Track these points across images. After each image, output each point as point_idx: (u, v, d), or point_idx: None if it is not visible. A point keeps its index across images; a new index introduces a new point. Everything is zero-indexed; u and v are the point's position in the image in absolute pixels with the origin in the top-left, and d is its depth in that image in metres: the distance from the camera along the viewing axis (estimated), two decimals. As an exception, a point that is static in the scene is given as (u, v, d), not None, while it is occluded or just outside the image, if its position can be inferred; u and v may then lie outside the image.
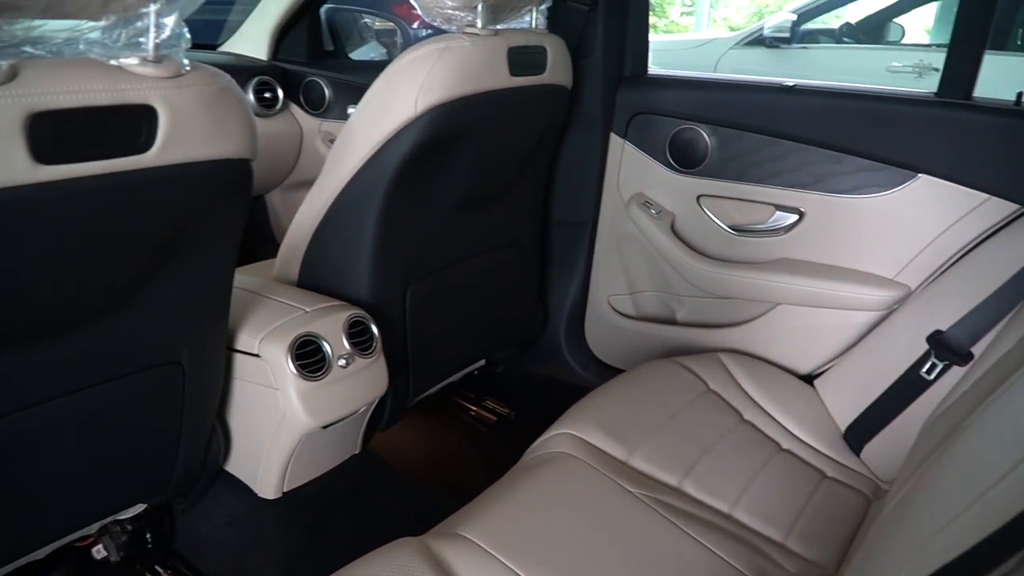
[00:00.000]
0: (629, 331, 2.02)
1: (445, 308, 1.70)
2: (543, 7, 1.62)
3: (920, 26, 5.43)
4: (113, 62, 0.84)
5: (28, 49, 0.79)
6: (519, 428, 1.99)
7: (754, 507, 1.30)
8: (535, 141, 1.70)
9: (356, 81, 2.35)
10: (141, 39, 0.84)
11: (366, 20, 2.86)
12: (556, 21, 1.75)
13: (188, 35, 0.87)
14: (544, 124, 1.69)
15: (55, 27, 0.80)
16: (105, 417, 1.13)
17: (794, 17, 4.87)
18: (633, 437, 1.38)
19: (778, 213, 1.78)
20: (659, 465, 1.34)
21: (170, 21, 0.85)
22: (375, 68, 2.57)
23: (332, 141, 2.36)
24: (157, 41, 0.85)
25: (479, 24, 1.44)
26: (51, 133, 0.77)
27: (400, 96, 1.37)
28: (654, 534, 1.17)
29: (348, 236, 1.48)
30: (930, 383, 1.42)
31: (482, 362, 1.99)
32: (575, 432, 1.36)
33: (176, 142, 0.88)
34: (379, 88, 1.41)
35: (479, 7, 1.42)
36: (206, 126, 0.91)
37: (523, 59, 1.51)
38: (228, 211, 1.06)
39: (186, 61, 0.89)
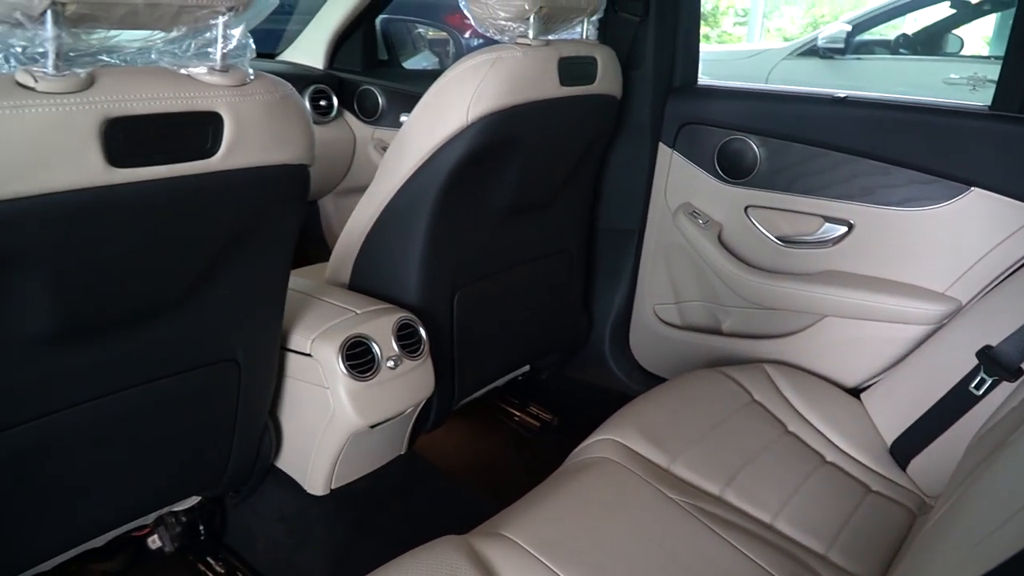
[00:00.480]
0: (674, 340, 2.03)
1: (492, 313, 1.73)
2: (594, 18, 1.64)
3: (980, 37, 5.35)
4: (183, 71, 0.89)
5: (104, 58, 0.84)
6: (562, 434, 2.01)
7: (796, 518, 1.30)
8: (584, 150, 1.72)
9: (409, 90, 2.40)
10: (209, 49, 0.89)
11: (420, 30, 2.92)
12: (607, 32, 1.77)
13: (253, 45, 0.92)
14: (593, 133, 1.71)
15: (129, 37, 0.85)
16: (166, 410, 1.18)
17: (849, 28, 4.84)
18: (675, 444, 1.39)
19: (827, 225, 1.79)
20: (701, 473, 1.35)
21: (237, 32, 0.90)
22: (428, 77, 2.62)
23: (385, 149, 2.41)
24: (224, 51, 0.90)
25: (531, 35, 1.47)
26: (124, 138, 0.82)
27: (452, 105, 1.41)
28: (694, 541, 1.18)
29: (399, 241, 1.52)
30: (979, 399, 1.41)
31: (526, 368, 2.02)
32: (618, 438, 1.38)
33: (240, 148, 0.93)
34: (432, 97, 1.45)
35: (531, 18, 1.45)
36: (268, 133, 0.95)
37: (574, 69, 1.54)
38: (286, 214, 1.10)
39: (250, 70, 0.94)
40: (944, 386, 1.47)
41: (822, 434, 1.54)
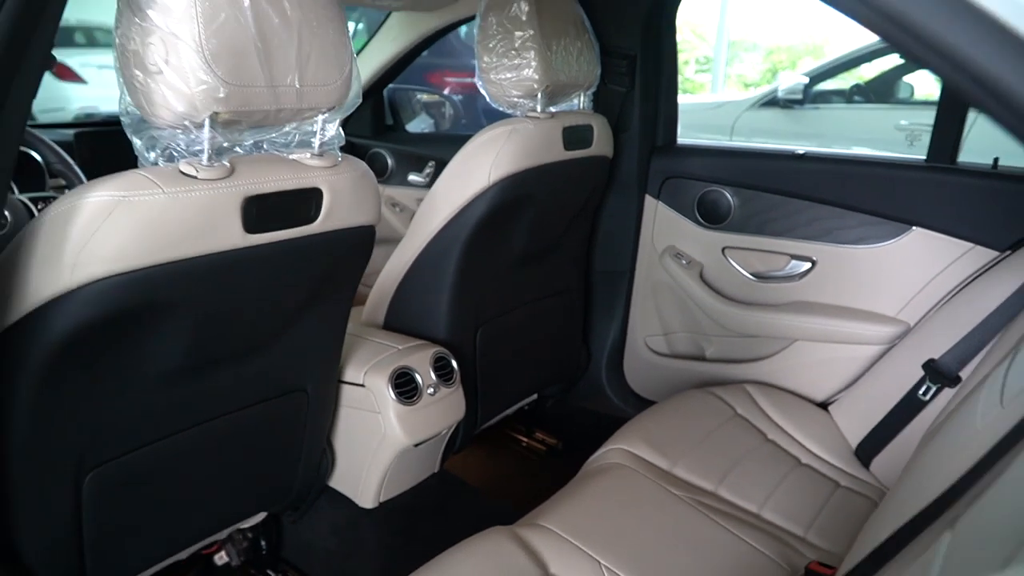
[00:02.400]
0: (664, 367, 2.26)
1: (507, 346, 1.96)
2: (589, 91, 1.91)
3: (933, 81, 5.64)
4: (291, 156, 1.13)
5: (237, 150, 1.08)
6: (567, 456, 2.22)
7: (779, 508, 1.53)
8: (582, 203, 1.98)
9: (414, 151, 2.64)
10: (312, 140, 1.14)
11: (418, 95, 3.17)
12: (599, 102, 2.02)
13: (343, 133, 1.17)
14: (590, 189, 1.97)
15: (251, 133, 1.10)
16: (251, 434, 1.40)
17: (807, 80, 5.12)
18: (675, 451, 1.63)
19: (793, 262, 2.03)
20: (697, 474, 1.59)
21: (331, 128, 1.14)
22: (428, 139, 2.88)
23: (395, 205, 2.65)
24: (322, 141, 1.15)
25: (539, 109, 1.73)
26: (256, 211, 1.06)
27: (477, 168, 1.65)
28: (697, 527, 1.42)
29: (431, 284, 1.75)
30: (926, 403, 1.65)
31: (535, 396, 2.24)
32: (627, 447, 1.62)
33: (333, 214, 1.17)
34: (459, 161, 1.69)
35: (539, 95, 1.71)
36: (353, 201, 1.20)
37: (575, 136, 1.79)
38: (356, 265, 1.34)
39: (339, 153, 1.19)
40: (897, 395, 1.71)
41: (797, 441, 1.77)
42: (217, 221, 1.03)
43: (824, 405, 1.92)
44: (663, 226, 2.19)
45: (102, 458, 1.16)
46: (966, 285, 1.74)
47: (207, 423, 1.31)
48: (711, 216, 2.12)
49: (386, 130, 2.78)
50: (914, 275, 1.85)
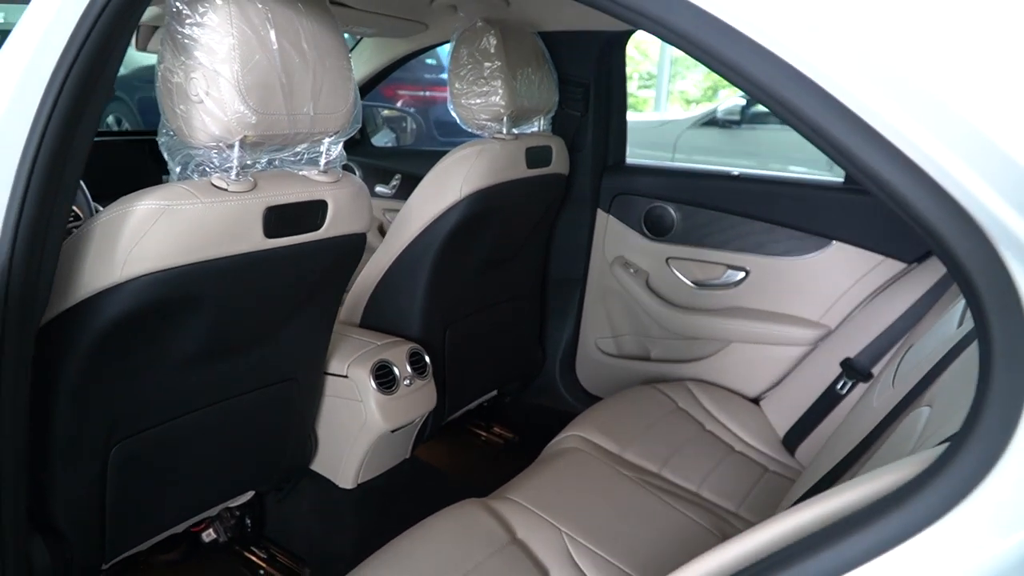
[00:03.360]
0: (612, 366, 2.46)
1: (472, 346, 2.14)
2: (548, 115, 2.11)
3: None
4: (300, 172, 1.31)
5: (258, 166, 1.25)
6: (523, 448, 2.39)
7: (714, 488, 1.74)
8: (540, 216, 2.18)
9: (380, 165, 2.81)
10: (319, 159, 1.31)
11: (382, 111, 3.34)
12: (556, 124, 2.21)
13: (345, 153, 1.34)
14: (548, 203, 2.17)
15: (268, 152, 1.27)
16: (249, 416, 1.55)
17: (743, 101, 5.43)
18: (624, 438, 1.82)
19: (729, 271, 2.24)
20: (644, 458, 1.79)
21: (336, 149, 1.32)
22: (392, 153, 3.05)
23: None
24: (328, 159, 1.32)
25: (504, 131, 1.92)
26: (275, 219, 1.23)
27: (449, 184, 1.83)
28: (644, 503, 1.61)
29: (405, 287, 1.92)
30: (843, 397, 1.87)
31: (494, 392, 2.43)
32: (582, 434, 1.81)
33: (335, 223, 1.34)
34: (433, 176, 1.87)
35: (504, 119, 1.91)
36: (351, 212, 1.37)
37: (536, 155, 1.99)
38: (349, 267, 1.51)
39: (340, 170, 1.36)
40: (819, 390, 1.94)
41: (731, 431, 1.98)
42: (242, 227, 1.19)
43: (756, 400, 2.13)
44: (613, 238, 2.38)
45: (127, 432, 1.32)
46: (879, 293, 1.96)
47: (213, 405, 1.47)
48: (656, 229, 2.32)
49: (355, 144, 2.93)
50: (834, 284, 2.06)
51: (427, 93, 5.64)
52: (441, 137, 5.13)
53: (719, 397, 2.10)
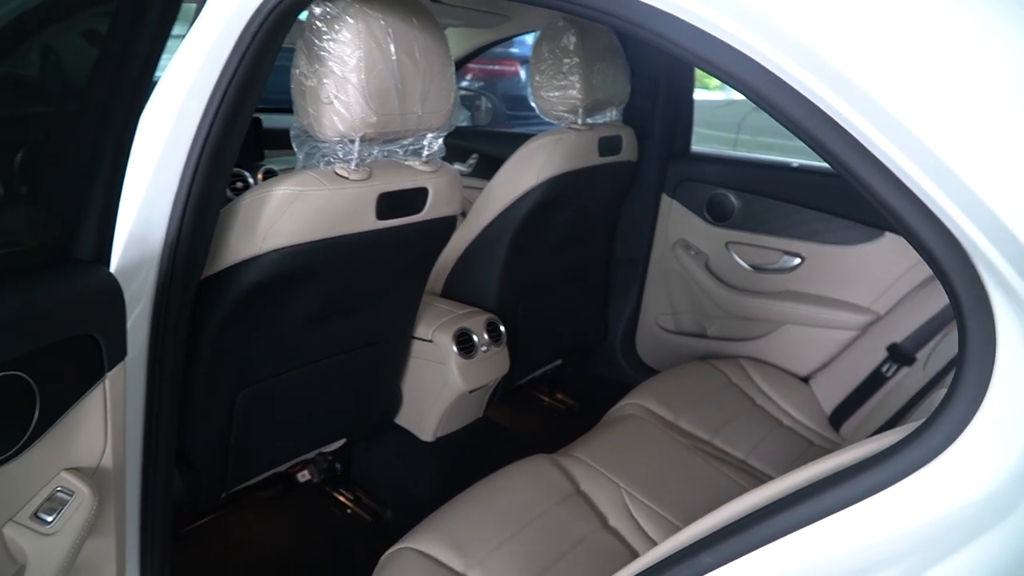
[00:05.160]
0: (670, 342, 2.62)
1: (541, 318, 2.32)
2: (620, 106, 2.26)
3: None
4: (406, 163, 1.50)
5: (371, 158, 1.44)
6: (583, 415, 2.56)
7: (762, 457, 1.89)
8: (610, 200, 2.34)
9: (457, 143, 2.99)
10: (423, 152, 1.50)
11: (460, 91, 3.50)
12: (627, 114, 2.34)
13: (444, 147, 1.53)
14: (617, 188, 2.33)
15: (380, 145, 1.46)
16: (349, 373, 1.77)
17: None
18: (679, 408, 1.99)
19: (785, 256, 2.36)
20: (697, 426, 1.95)
21: (436, 143, 1.51)
22: (469, 133, 3.22)
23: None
24: (429, 152, 1.51)
25: (579, 121, 2.08)
26: (386, 203, 1.42)
27: (527, 170, 2.00)
28: (695, 466, 1.78)
29: (483, 263, 2.10)
30: (887, 379, 2.00)
31: (559, 362, 2.61)
32: (640, 402, 1.98)
33: (434, 207, 1.53)
34: (513, 163, 2.04)
35: (580, 111, 2.07)
36: (447, 197, 1.56)
37: (608, 144, 2.14)
38: (439, 245, 1.70)
39: (439, 161, 1.55)
40: (865, 372, 2.06)
41: (780, 406, 2.12)
42: (359, 210, 1.39)
43: (805, 379, 2.26)
44: (676, 221, 2.53)
45: (251, 380, 1.54)
46: (927, 283, 2.06)
47: (320, 361, 1.68)
48: (717, 214, 2.46)
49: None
50: (885, 272, 2.17)
51: (496, 67, 5.78)
52: (509, 111, 5.27)
53: (770, 374, 2.24)
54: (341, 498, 2.10)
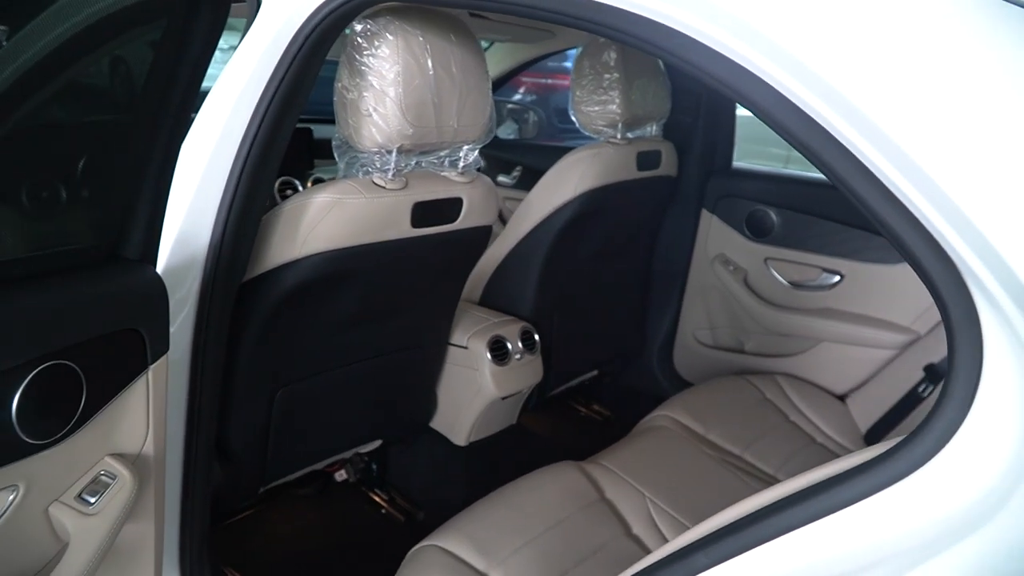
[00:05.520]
0: (707, 356, 2.63)
1: (577, 329, 2.36)
2: (660, 121, 2.28)
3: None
4: (442, 174, 1.55)
5: (408, 168, 1.50)
6: (618, 426, 2.58)
7: (791, 473, 1.88)
8: (649, 214, 2.36)
9: (503, 156, 3.04)
10: (459, 163, 1.55)
11: (508, 105, 3.57)
12: (668, 129, 2.36)
13: (481, 159, 1.58)
14: (656, 203, 2.35)
15: (417, 156, 1.51)
16: (384, 375, 1.82)
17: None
18: (710, 421, 2.01)
19: (824, 274, 2.36)
20: (727, 440, 1.96)
21: (472, 155, 1.56)
22: (515, 146, 3.28)
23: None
24: (465, 164, 1.56)
25: (618, 136, 2.12)
26: (421, 212, 1.48)
27: (565, 182, 2.04)
28: (723, 480, 1.79)
29: (520, 273, 2.15)
30: (924, 399, 2.01)
31: (595, 372, 2.64)
32: (671, 414, 2.00)
33: (469, 216, 1.58)
34: (551, 175, 2.08)
35: (619, 125, 2.10)
36: (482, 208, 1.61)
37: (646, 159, 2.17)
38: (476, 254, 1.75)
39: (474, 172, 1.60)
40: (902, 391, 2.06)
41: (814, 423, 2.12)
42: (395, 218, 1.45)
43: (842, 397, 2.26)
44: (716, 236, 2.54)
45: (289, 379, 1.60)
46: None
47: (357, 363, 1.74)
48: (757, 230, 2.47)
49: (480, 135, 3.17)
50: (925, 292, 2.15)
51: (549, 81, 5.84)
52: (559, 124, 5.32)
53: (806, 392, 2.24)
54: (376, 498, 2.16)
